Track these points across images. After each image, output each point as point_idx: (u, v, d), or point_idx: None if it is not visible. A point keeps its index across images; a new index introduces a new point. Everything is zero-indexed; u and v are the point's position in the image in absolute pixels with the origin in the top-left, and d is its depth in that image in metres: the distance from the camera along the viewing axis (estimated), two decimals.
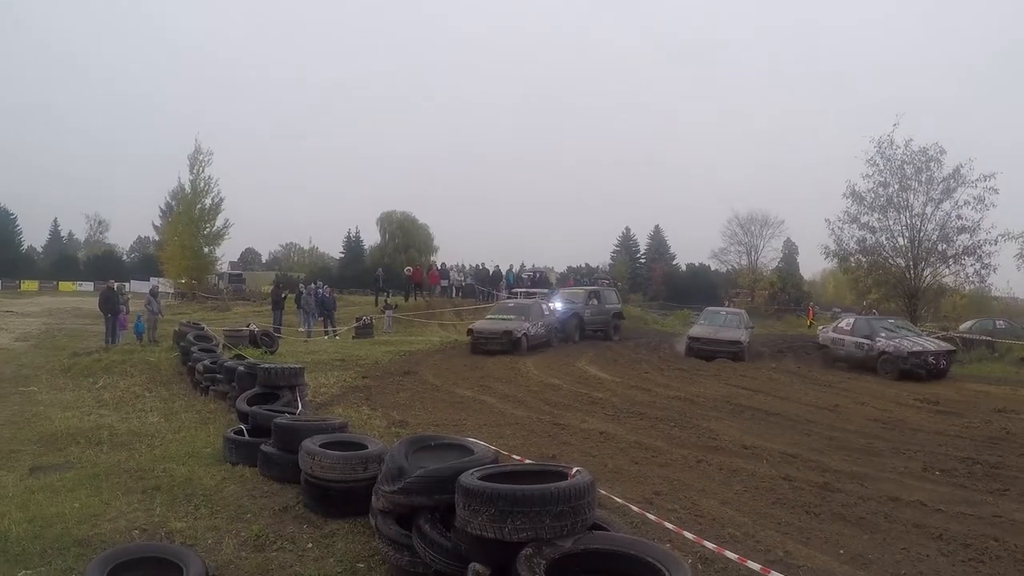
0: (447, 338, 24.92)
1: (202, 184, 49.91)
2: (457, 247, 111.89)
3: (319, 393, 12.37)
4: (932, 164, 30.57)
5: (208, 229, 50.81)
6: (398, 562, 4.77)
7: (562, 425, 11.26)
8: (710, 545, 5.23)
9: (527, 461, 6.53)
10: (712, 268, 73.46)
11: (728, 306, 50.42)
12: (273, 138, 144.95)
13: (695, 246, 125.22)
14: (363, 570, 5.24)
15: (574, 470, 4.26)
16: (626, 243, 78.90)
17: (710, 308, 30.19)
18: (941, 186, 30.40)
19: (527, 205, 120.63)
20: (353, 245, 77.79)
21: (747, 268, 67.20)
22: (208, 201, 50.28)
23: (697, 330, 24.99)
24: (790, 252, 68.35)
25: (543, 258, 69.34)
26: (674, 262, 74.60)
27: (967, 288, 32.79)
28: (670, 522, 5.98)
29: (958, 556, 6.36)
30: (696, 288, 67.75)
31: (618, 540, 3.87)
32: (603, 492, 6.66)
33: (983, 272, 30.44)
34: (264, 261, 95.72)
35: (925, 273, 31.37)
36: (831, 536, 6.68)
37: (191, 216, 49.98)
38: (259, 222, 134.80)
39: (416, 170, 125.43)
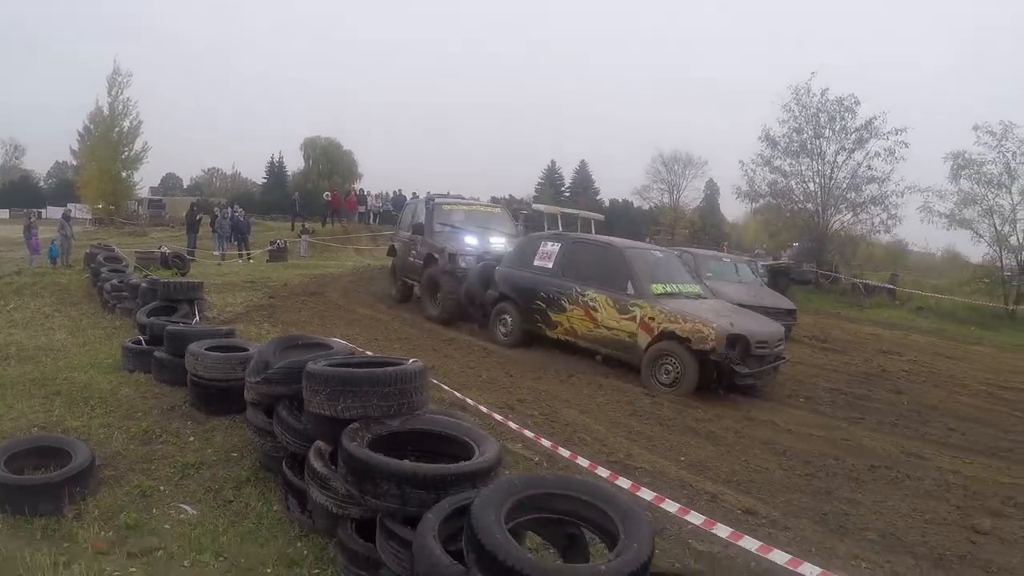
0: (361, 263, 25.10)
1: (120, 107, 48.42)
2: (382, 175, 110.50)
3: (224, 311, 12.62)
4: (847, 114, 32.01)
5: (126, 153, 49.51)
6: (263, 447, 5.35)
7: (449, 340, 12.13)
8: (546, 443, 5.88)
9: (370, 354, 6.93)
10: (635, 205, 73.77)
11: (649, 243, 50.97)
12: (198, 60, 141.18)
13: (620, 183, 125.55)
14: (236, 457, 5.82)
15: (410, 360, 4.81)
16: (551, 177, 79.02)
17: (700, 252, 19.93)
18: (854, 136, 31.81)
19: (456, 136, 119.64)
20: (276, 171, 76.35)
21: (669, 206, 67.97)
22: (127, 124, 48.85)
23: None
24: (712, 193, 69.59)
25: (468, 189, 69.39)
26: (598, 197, 75.01)
27: (872, 236, 34.15)
28: (528, 428, 6.56)
29: (796, 471, 7.01)
30: (619, 224, 68.56)
31: (439, 422, 4.41)
32: (469, 400, 7.34)
33: (889, 222, 31.82)
34: (186, 187, 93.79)
35: (833, 219, 32.56)
36: (676, 445, 7.32)
37: (109, 140, 48.56)
38: (181, 147, 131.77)
39: (343, 96, 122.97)
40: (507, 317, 12.18)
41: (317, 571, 4.22)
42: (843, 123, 32.14)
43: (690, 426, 8.07)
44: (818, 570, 3.78)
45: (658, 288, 10.65)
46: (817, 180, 32.89)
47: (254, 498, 5.20)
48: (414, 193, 42.45)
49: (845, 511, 6.12)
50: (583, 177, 79.02)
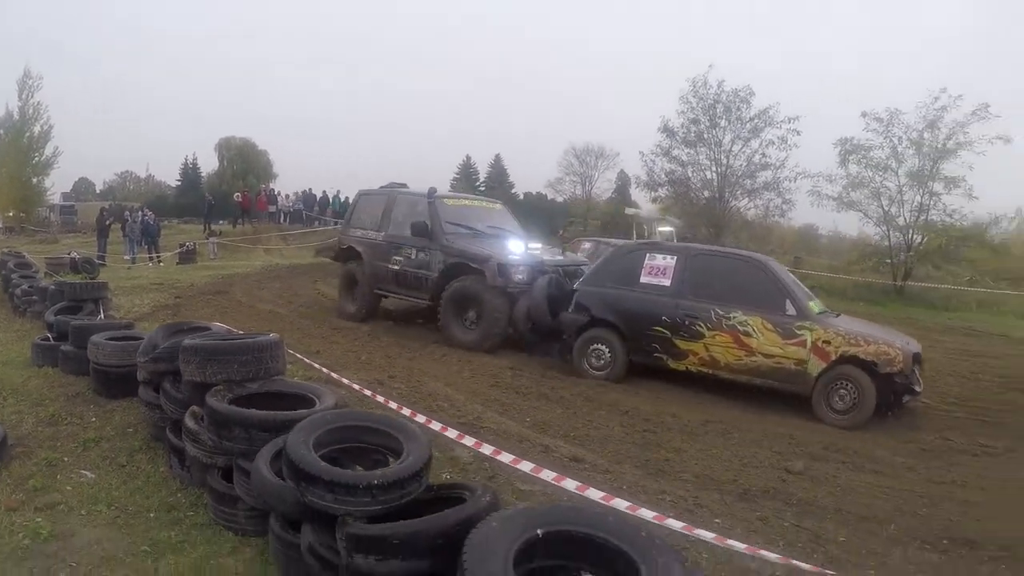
0: (270, 262, 25.51)
1: (31, 111, 48.26)
2: (297, 173, 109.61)
3: (131, 313, 12.97)
4: (742, 105, 33.40)
5: (37, 159, 49.35)
6: (152, 419, 6.29)
7: (339, 329, 12.66)
8: (406, 411, 6.62)
9: (240, 332, 7.60)
10: (548, 198, 74.57)
11: (562, 235, 52.03)
12: (108, 61, 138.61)
13: (534, 176, 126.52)
14: (131, 432, 6.70)
15: (270, 334, 5.77)
16: (466, 171, 79.30)
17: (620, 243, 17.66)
18: (749, 125, 33.28)
19: (372, 130, 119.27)
20: (190, 173, 75.36)
21: (582, 198, 69.20)
22: (37, 129, 48.65)
23: None
24: (623, 184, 70.98)
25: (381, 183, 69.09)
26: (513, 191, 75.94)
27: (768, 220, 35.90)
28: (392, 399, 7.33)
29: (635, 427, 7.83)
30: (532, 217, 69.46)
31: (290, 384, 5.43)
32: (344, 379, 8.05)
33: (784, 206, 33.61)
34: (99, 191, 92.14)
35: (730, 205, 34.12)
36: (527, 409, 8.20)
37: (19, 145, 48.29)
38: (95, 150, 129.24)
39: (258, 94, 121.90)
40: (603, 347, 10.33)
41: (192, 513, 5.14)
42: (738, 113, 33.64)
43: (544, 394, 8.95)
44: (625, 503, 4.58)
45: (814, 306, 9.70)
46: (714, 168, 34.48)
47: (144, 463, 6.10)
48: (325, 191, 42.80)
49: (668, 458, 6.89)
50: (498, 171, 79.53)
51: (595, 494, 4.69)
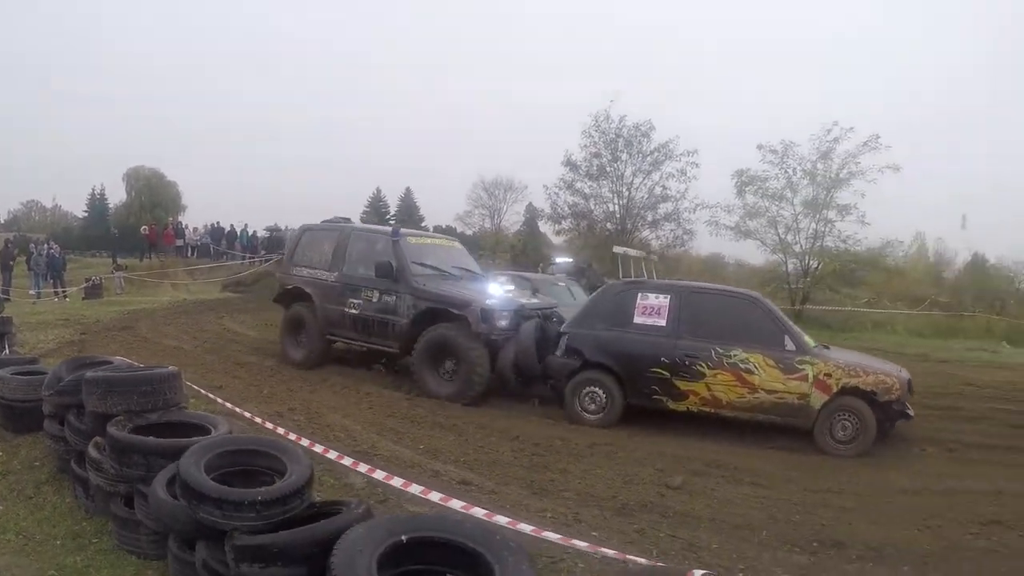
0: (177, 297, 25.41)
1: None
2: (206, 205, 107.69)
3: (36, 348, 12.97)
4: (642, 139, 34.48)
5: None
6: (57, 451, 6.61)
7: (241, 364, 12.92)
8: (306, 441, 6.91)
9: (141, 365, 7.68)
10: (458, 230, 74.41)
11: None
12: (11, 84, 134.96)
13: (444, 209, 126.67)
14: (38, 465, 6.99)
15: (169, 367, 6.17)
16: (376, 204, 78.99)
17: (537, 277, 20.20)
18: (649, 158, 34.34)
19: (282, 163, 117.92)
20: (98, 204, 73.37)
21: (491, 231, 69.74)
22: None
23: None
24: (532, 216, 71.76)
25: (294, 217, 68.54)
26: (423, 224, 76.09)
27: (669, 251, 36.96)
28: (292, 431, 7.55)
29: (524, 451, 8.30)
30: None
31: (188, 414, 5.83)
32: (240, 410, 8.38)
33: (684, 236, 34.78)
34: (2, 221, 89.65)
35: (632, 236, 35.08)
36: (420, 437, 8.63)
37: None
38: None
39: (166, 122, 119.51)
40: (598, 391, 10.09)
41: (96, 540, 5.47)
42: (639, 147, 34.76)
43: (439, 422, 9.38)
44: (506, 519, 5.00)
45: (809, 340, 9.84)
46: (616, 201, 35.49)
47: (51, 494, 6.42)
48: (233, 224, 42.45)
49: (553, 478, 7.34)
50: (408, 204, 79.61)
51: (479, 512, 5.07)
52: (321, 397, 10.49)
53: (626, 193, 35.19)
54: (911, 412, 9.55)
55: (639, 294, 10.32)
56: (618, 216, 35.11)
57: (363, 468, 6.34)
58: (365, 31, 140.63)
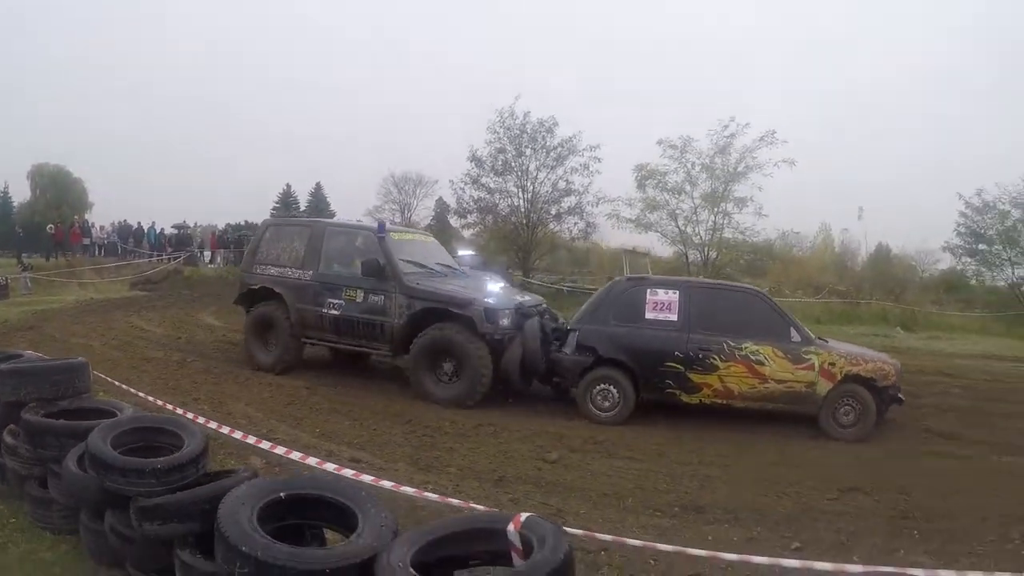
0: (84, 297, 25.19)
1: None
2: (113, 203, 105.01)
3: None
4: (547, 134, 35.22)
5: None
6: None
7: (148, 359, 13.09)
8: (213, 424, 7.28)
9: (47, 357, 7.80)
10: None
11: None
12: None
13: (355, 204, 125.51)
14: None
15: (78, 358, 6.68)
16: (287, 200, 78.17)
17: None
18: (553, 153, 35.14)
19: (192, 159, 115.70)
20: (1, 202, 71.50)
21: (401, 226, 69.45)
22: None
23: None
24: (442, 211, 71.99)
25: (203, 216, 67.17)
26: (334, 219, 75.06)
27: (574, 243, 38.00)
28: (194, 413, 7.86)
29: (416, 433, 8.99)
30: None
31: (96, 401, 6.37)
32: (154, 400, 8.70)
33: (588, 229, 35.77)
34: None
35: (538, 229, 35.92)
36: (318, 422, 9.23)
37: None
38: None
39: (74, 119, 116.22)
40: (610, 387, 10.25)
41: (13, 520, 5.86)
42: (543, 142, 35.47)
43: (336, 409, 9.96)
44: (390, 484, 5.51)
45: (811, 332, 10.42)
46: (521, 195, 36.24)
47: None
48: (140, 222, 42.08)
49: (439, 456, 8.03)
50: (318, 199, 79.07)
51: (367, 479, 5.54)
52: (226, 388, 10.88)
53: (530, 187, 35.95)
54: (903, 397, 10.24)
55: (648, 290, 10.56)
56: (523, 210, 35.88)
57: (266, 444, 6.76)
58: (279, 26, 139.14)
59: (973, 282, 37.38)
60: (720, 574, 5.20)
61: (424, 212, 71.26)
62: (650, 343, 10.26)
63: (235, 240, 40.58)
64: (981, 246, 35.95)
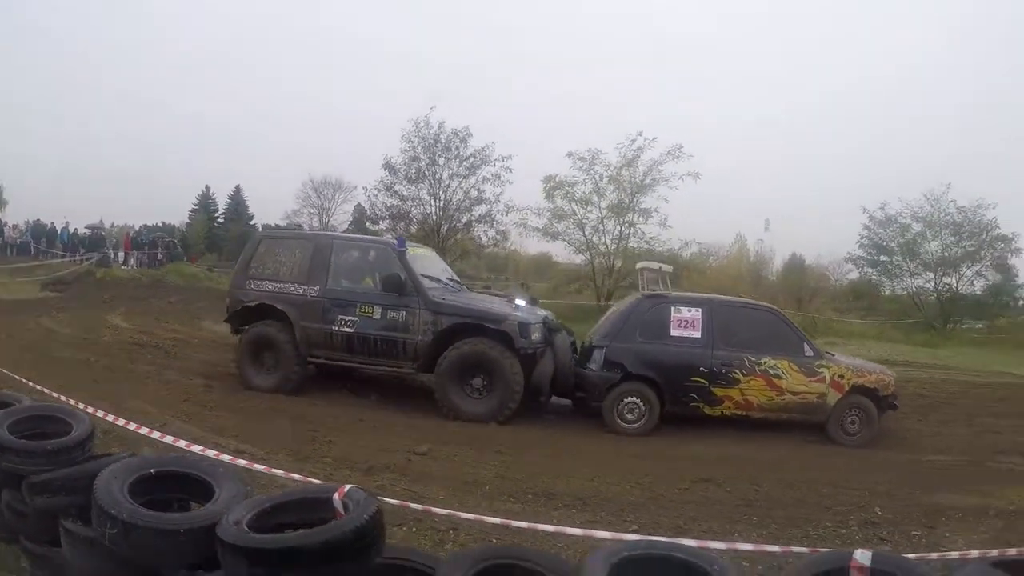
0: None
1: None
2: (29, 201, 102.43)
3: None
4: (460, 144, 36.56)
5: None
6: None
7: (55, 359, 13.22)
8: (110, 417, 7.68)
9: None
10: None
11: None
12: None
13: (273, 207, 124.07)
14: None
15: None
16: (205, 202, 77.69)
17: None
18: (467, 163, 36.46)
19: (112, 158, 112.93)
20: None
21: (319, 231, 69.01)
22: None
23: None
24: (360, 216, 71.88)
25: (119, 216, 65.87)
26: (252, 222, 74.85)
27: (486, 250, 38.92)
28: (93, 408, 7.91)
29: (301, 428, 9.49)
30: None
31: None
32: (57, 396, 8.81)
33: (497, 237, 36.75)
34: None
35: (448, 238, 36.69)
36: (210, 418, 9.72)
37: None
38: None
39: None
40: (637, 400, 10.67)
41: None
42: (457, 151, 36.64)
43: (231, 406, 10.46)
44: (262, 467, 6.07)
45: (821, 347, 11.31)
46: (433, 203, 37.22)
47: None
48: (53, 222, 41.66)
49: (317, 448, 8.50)
50: (237, 202, 78.34)
51: (242, 463, 6.01)
52: (126, 386, 11.17)
53: (443, 196, 37.03)
54: (897, 404, 11.12)
55: (672, 308, 11.10)
56: (435, 217, 36.85)
57: (156, 435, 7.14)
58: (202, 22, 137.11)
59: (887, 292, 39.93)
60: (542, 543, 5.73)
61: (343, 217, 71.20)
62: (677, 359, 10.84)
63: (149, 242, 40.64)
64: (883, 257, 38.55)
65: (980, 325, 37.09)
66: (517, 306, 11.69)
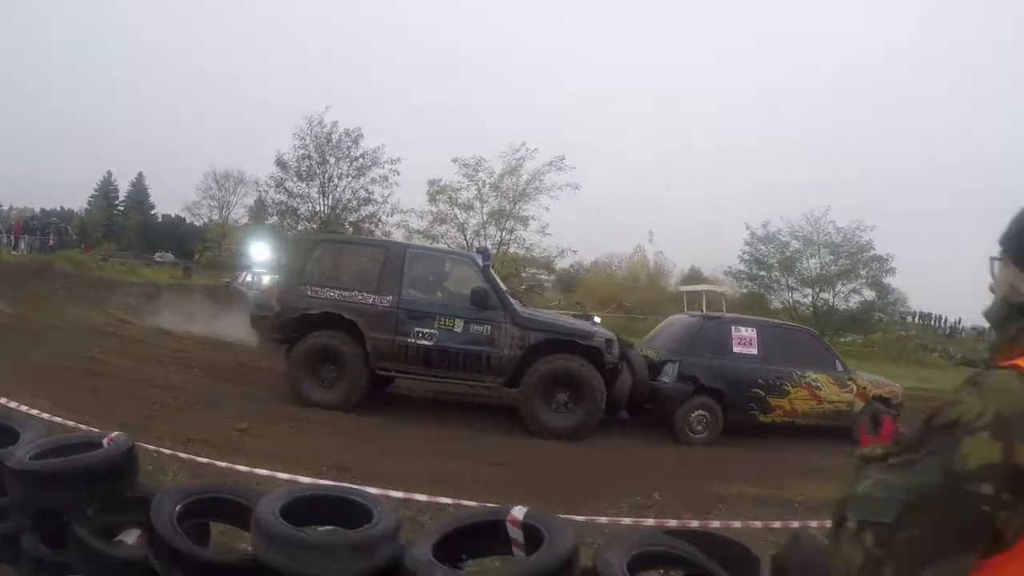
0: None
1: None
2: None
3: None
4: (351, 145, 36.69)
5: None
6: None
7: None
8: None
9: None
10: (187, 220, 71.32)
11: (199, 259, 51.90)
12: None
13: (176, 197, 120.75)
14: None
15: None
16: (106, 189, 75.18)
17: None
18: (356, 163, 36.75)
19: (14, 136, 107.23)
20: None
21: (218, 223, 66.49)
22: None
23: None
24: (260, 211, 70.48)
25: (19, 198, 63.57)
26: (153, 212, 73.46)
27: None
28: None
29: (140, 408, 9.40)
30: (170, 240, 67.61)
31: None
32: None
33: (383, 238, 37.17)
34: None
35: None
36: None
37: None
38: None
39: None
40: (704, 412, 11.26)
41: None
42: (348, 152, 36.63)
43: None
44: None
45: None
46: (322, 201, 37.22)
47: None
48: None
49: (155, 425, 8.51)
50: (139, 190, 76.37)
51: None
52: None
53: (332, 195, 37.21)
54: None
55: (733, 328, 12.12)
56: (322, 216, 36.68)
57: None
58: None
59: (778, 304, 40.56)
60: None
61: (243, 211, 69.63)
62: (740, 373, 11.65)
63: (42, 227, 39.98)
64: (761, 272, 40.44)
65: (852, 338, 39.14)
66: (595, 323, 12.48)
